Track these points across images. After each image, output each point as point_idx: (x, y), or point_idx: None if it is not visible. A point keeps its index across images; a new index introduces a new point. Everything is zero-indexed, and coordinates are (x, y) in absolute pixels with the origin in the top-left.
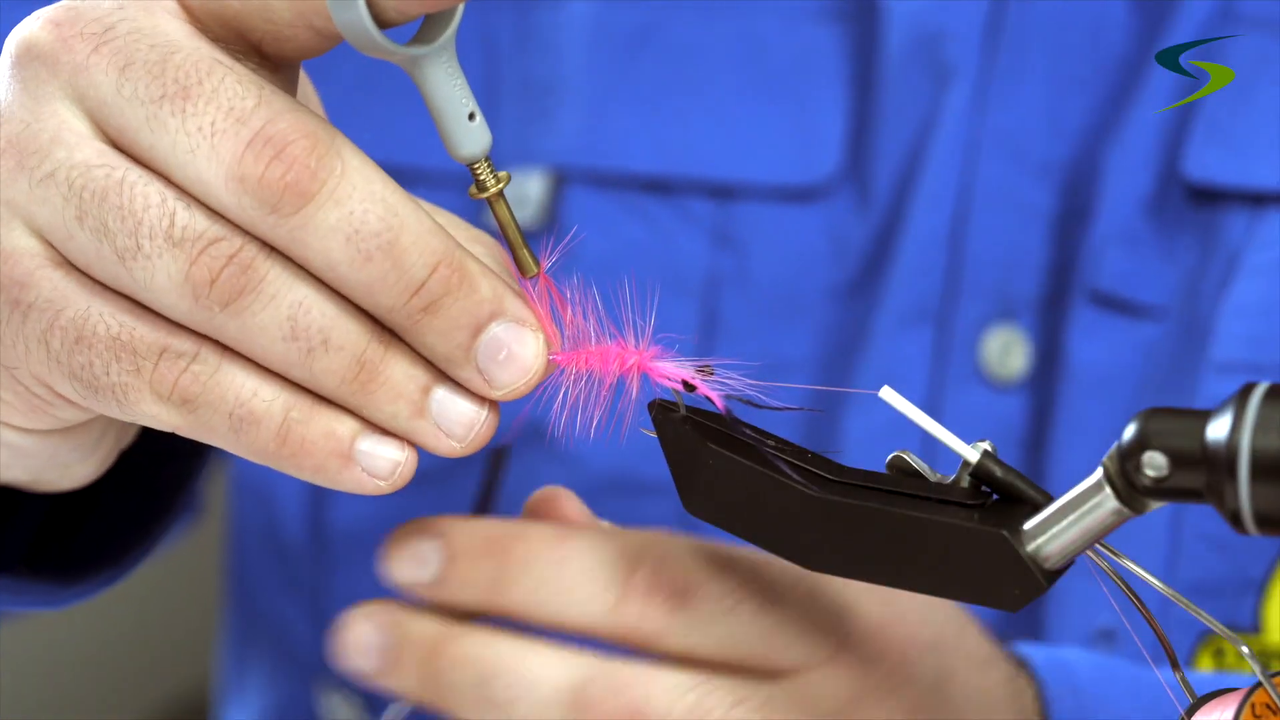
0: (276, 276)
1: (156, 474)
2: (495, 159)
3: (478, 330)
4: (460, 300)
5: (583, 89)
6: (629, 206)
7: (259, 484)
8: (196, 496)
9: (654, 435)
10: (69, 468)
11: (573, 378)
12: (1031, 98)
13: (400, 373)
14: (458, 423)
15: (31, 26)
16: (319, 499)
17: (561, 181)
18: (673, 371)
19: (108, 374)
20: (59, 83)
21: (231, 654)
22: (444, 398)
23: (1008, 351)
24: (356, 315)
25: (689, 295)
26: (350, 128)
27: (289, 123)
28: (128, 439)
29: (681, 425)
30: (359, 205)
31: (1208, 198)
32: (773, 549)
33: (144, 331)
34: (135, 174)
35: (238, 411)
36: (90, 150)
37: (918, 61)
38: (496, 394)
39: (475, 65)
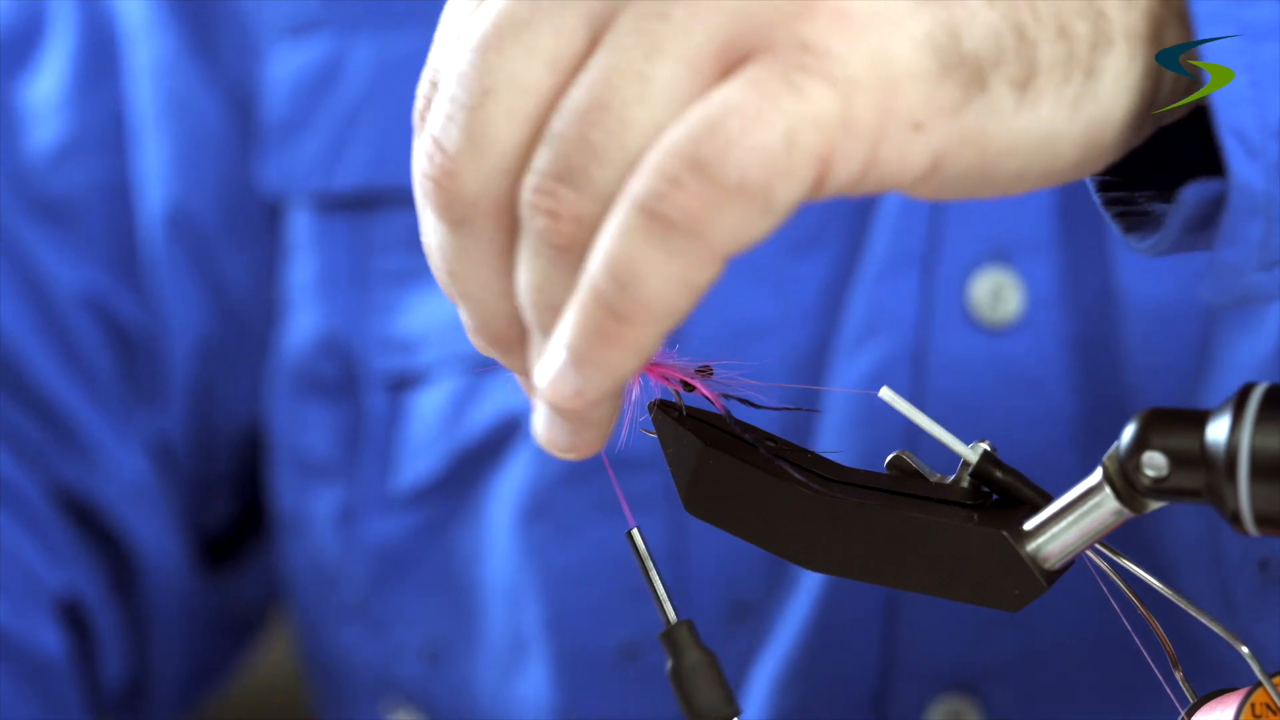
0: None
1: None
2: None
3: None
4: None
5: None
6: None
7: (293, 515)
8: None
9: (654, 435)
10: None
11: None
12: None
13: None
14: None
15: None
16: (348, 520)
17: None
18: (673, 371)
19: None
20: None
21: (309, 690)
22: None
23: (998, 295)
24: None
25: None
26: (344, 156)
27: None
28: None
29: (681, 425)
30: None
31: None
32: (773, 549)
33: None
34: None
35: None
36: None
37: None
38: None
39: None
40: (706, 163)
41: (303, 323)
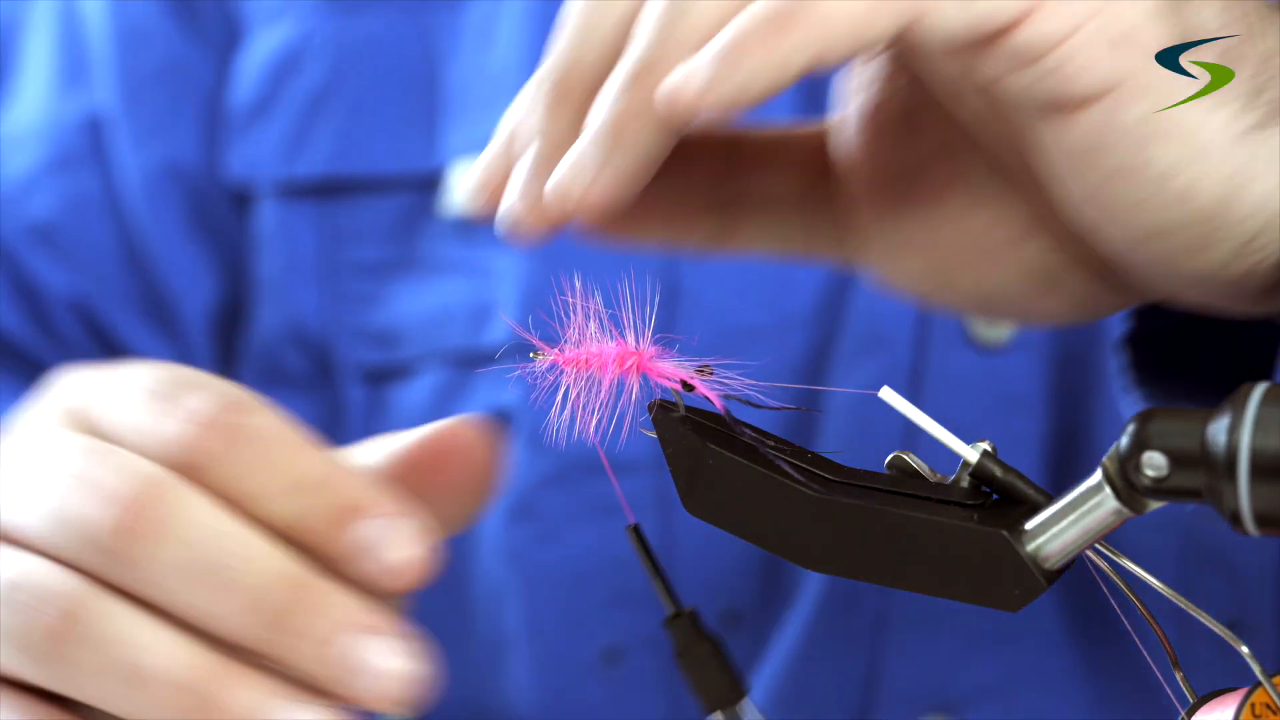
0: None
1: None
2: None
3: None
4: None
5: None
6: None
7: None
8: None
9: (654, 435)
10: None
11: (572, 378)
12: None
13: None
14: None
15: None
16: None
17: None
18: (673, 371)
19: None
20: None
21: None
22: None
23: None
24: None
25: (647, 269)
26: (308, 142)
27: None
28: None
29: (681, 425)
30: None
31: None
32: (773, 549)
33: None
34: None
35: None
36: None
37: None
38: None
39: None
40: None
41: (269, 315)
